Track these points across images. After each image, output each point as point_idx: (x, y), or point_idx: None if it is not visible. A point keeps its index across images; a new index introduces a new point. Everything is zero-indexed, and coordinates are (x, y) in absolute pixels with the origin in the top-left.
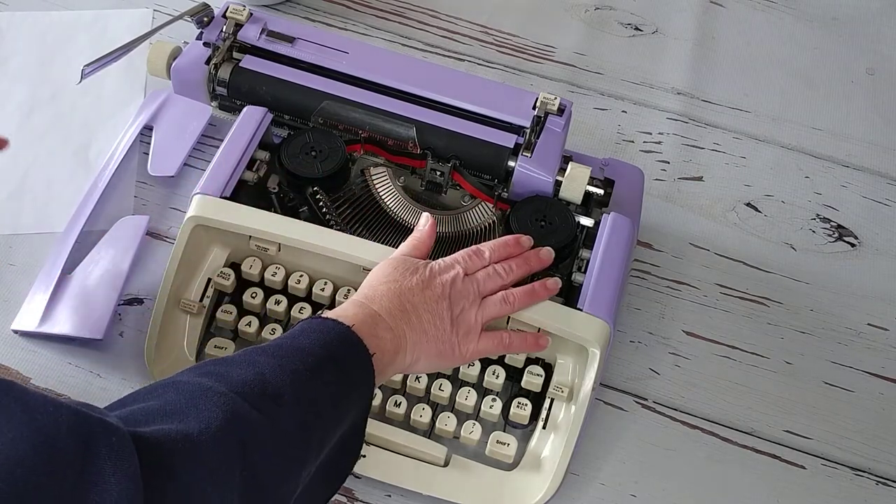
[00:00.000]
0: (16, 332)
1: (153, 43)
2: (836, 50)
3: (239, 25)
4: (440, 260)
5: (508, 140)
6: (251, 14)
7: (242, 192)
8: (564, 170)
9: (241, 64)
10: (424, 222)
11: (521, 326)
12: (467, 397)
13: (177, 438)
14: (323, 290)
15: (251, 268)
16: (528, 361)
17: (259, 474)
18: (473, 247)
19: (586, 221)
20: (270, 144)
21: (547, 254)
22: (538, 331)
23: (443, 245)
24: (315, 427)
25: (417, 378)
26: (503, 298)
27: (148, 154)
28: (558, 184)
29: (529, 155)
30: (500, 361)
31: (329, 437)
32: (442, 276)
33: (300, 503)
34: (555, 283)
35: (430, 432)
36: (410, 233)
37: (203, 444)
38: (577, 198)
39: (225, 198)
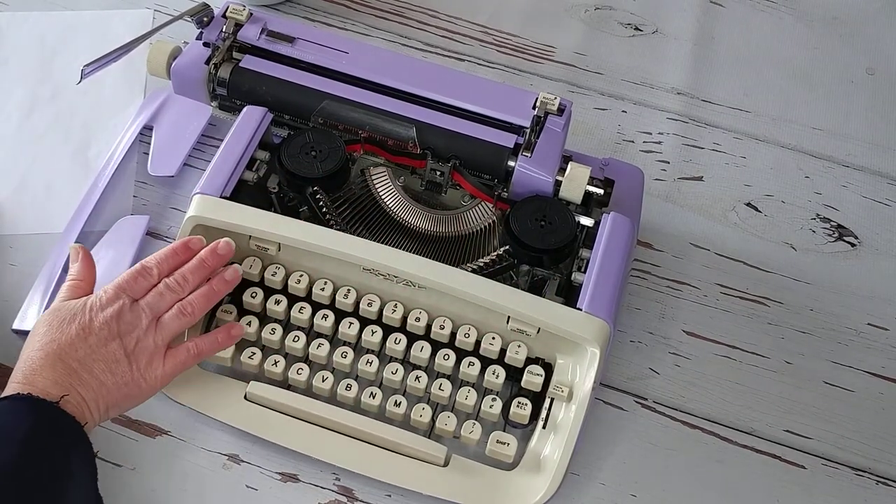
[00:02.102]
0: (16, 331)
1: (153, 43)
2: (836, 50)
3: (239, 25)
4: (102, 291)
5: (508, 140)
6: (251, 14)
7: (242, 192)
8: (564, 169)
9: (241, 64)
10: (76, 255)
11: (520, 326)
12: (467, 397)
13: None
14: (323, 289)
15: (251, 267)
16: (528, 361)
17: None
18: (138, 264)
19: (586, 221)
20: (270, 144)
21: (225, 246)
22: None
23: (443, 245)
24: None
25: (417, 378)
26: (180, 311)
27: (148, 154)
28: (558, 183)
29: (529, 155)
30: (500, 361)
31: None
32: (104, 312)
33: None
34: (233, 272)
35: (430, 432)
36: (410, 233)
37: None
38: (577, 197)
39: (225, 198)
